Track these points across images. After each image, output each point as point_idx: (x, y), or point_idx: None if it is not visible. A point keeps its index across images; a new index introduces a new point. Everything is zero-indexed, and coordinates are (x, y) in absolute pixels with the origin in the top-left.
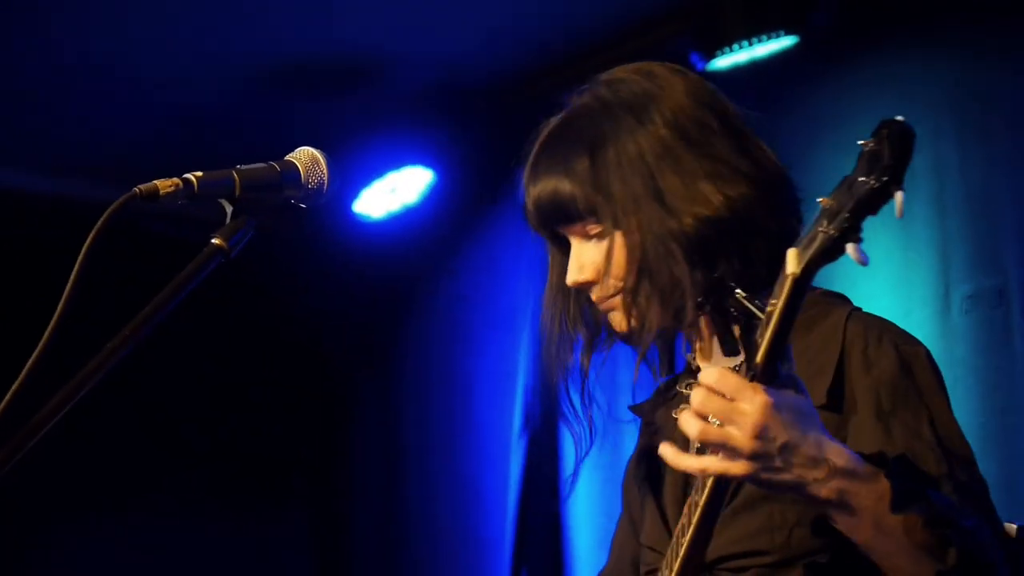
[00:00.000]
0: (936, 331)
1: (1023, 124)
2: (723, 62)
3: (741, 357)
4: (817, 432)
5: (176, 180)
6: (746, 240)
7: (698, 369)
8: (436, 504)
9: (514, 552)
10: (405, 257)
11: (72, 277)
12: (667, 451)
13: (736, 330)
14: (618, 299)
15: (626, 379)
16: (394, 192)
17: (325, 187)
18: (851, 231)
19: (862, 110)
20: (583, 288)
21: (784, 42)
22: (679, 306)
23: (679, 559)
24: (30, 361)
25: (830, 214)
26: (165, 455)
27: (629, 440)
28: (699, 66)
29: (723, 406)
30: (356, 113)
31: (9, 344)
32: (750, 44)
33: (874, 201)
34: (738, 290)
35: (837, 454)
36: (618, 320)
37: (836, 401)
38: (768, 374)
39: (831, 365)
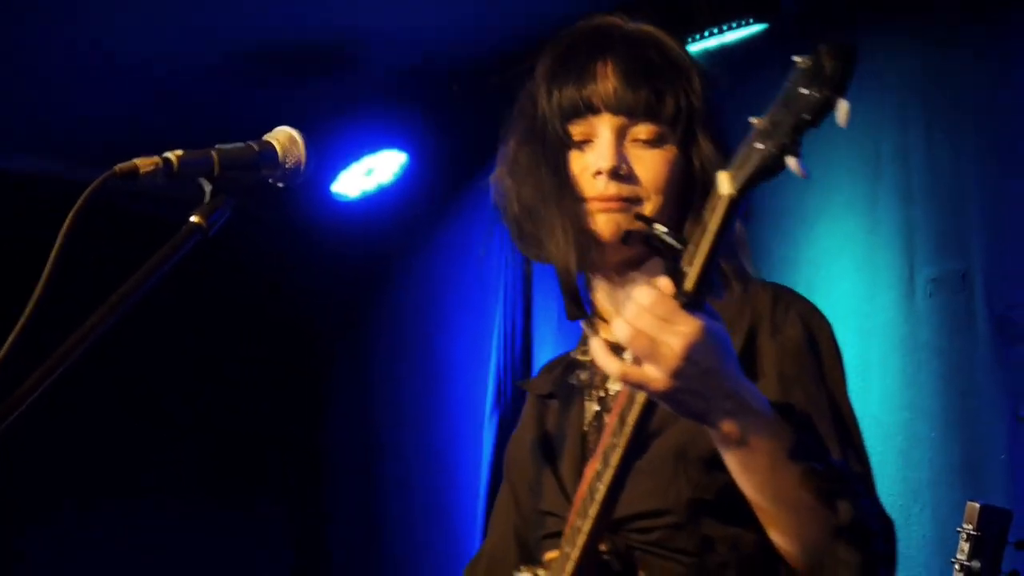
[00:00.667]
0: (900, 314)
1: (990, 112)
2: (693, 48)
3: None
4: (734, 367)
5: (156, 159)
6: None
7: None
8: (410, 479)
9: (485, 526)
10: (380, 237)
11: (52, 256)
12: (596, 345)
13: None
14: (629, 206)
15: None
16: (370, 174)
17: (302, 167)
18: (792, 145)
19: None
20: (609, 175)
21: (753, 29)
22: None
23: (591, 519)
24: (10, 339)
25: (765, 133)
26: (145, 430)
27: None
28: None
29: (657, 323)
30: (333, 96)
31: None
32: (720, 31)
33: (817, 111)
34: (656, 224)
35: (749, 393)
36: (613, 223)
37: (746, 363)
38: (699, 301)
39: (743, 329)
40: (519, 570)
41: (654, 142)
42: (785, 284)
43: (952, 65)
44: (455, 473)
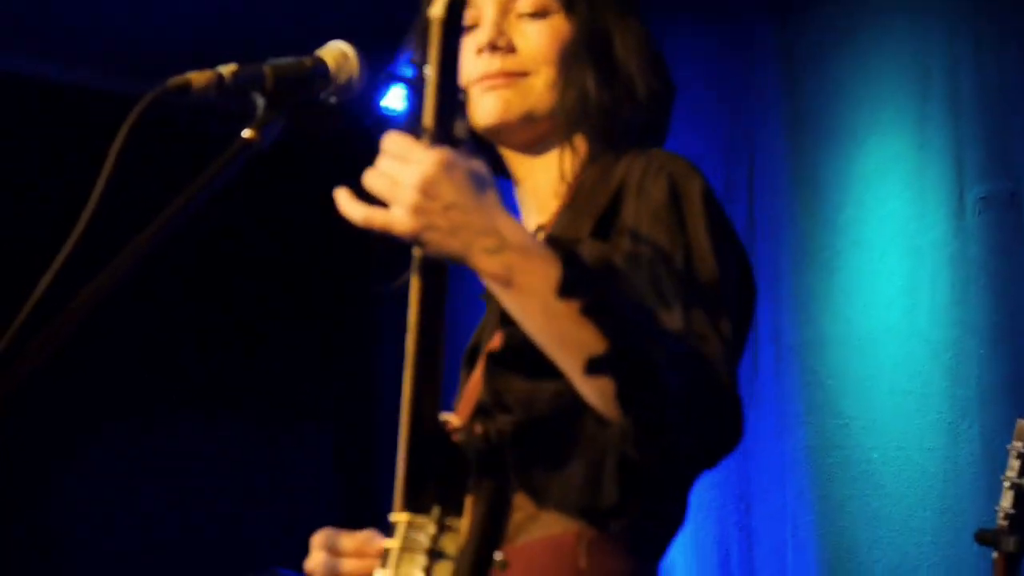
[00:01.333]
0: (950, 232)
1: None
2: None
3: None
4: (493, 203)
5: (208, 73)
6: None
7: (537, 232)
8: None
9: None
10: None
11: (106, 169)
12: (339, 195)
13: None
14: (515, 80)
15: None
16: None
17: (355, 82)
18: None
19: (881, 8)
20: (488, 50)
21: None
22: (564, 115)
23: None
24: (62, 253)
25: None
26: (190, 353)
27: None
28: None
29: (394, 162)
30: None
31: (43, 236)
32: None
33: None
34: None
35: (512, 228)
36: (501, 100)
37: (605, 229)
38: (439, 135)
39: (606, 195)
40: None
41: (539, 14)
42: (837, 203)
43: None
44: None
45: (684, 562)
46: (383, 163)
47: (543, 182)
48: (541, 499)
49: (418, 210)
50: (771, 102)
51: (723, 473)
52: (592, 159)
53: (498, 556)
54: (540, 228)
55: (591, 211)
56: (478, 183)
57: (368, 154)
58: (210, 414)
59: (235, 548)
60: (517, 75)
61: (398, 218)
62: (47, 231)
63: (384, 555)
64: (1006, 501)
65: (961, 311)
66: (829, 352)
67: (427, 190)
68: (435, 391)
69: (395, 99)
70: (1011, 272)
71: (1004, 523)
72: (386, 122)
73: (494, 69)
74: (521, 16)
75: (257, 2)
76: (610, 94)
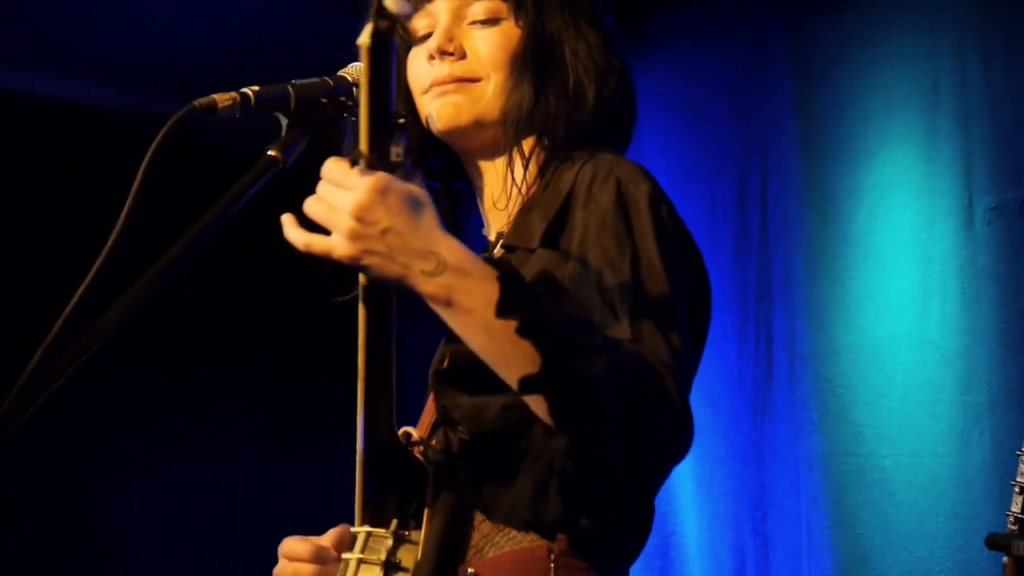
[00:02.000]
0: (959, 242)
1: None
2: None
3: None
4: (431, 225)
5: (234, 94)
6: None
7: (497, 240)
8: None
9: None
10: None
11: (134, 188)
12: (285, 220)
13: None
14: (467, 85)
15: None
16: None
17: None
18: None
19: (891, 22)
20: (439, 56)
21: None
22: (515, 118)
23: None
24: (93, 269)
25: None
26: (211, 353)
27: None
28: None
29: (331, 188)
30: None
31: (72, 254)
32: None
33: None
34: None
35: (450, 249)
36: (451, 106)
37: (554, 239)
38: (374, 160)
39: (557, 202)
40: None
41: (490, 21)
42: (849, 214)
43: None
44: None
45: (700, 570)
46: (321, 189)
47: (499, 188)
48: (491, 514)
49: (355, 236)
50: (784, 115)
51: (739, 481)
52: (545, 165)
53: (470, 570)
54: (500, 235)
55: (542, 218)
56: (414, 206)
57: None
58: (235, 425)
59: (260, 554)
60: (467, 81)
61: (337, 244)
62: (73, 251)
63: (344, 567)
64: (1016, 506)
65: (971, 319)
66: (842, 361)
67: (363, 216)
68: (388, 407)
69: None
70: (1020, 280)
71: (1014, 528)
72: None
73: (444, 75)
74: (474, 23)
75: (275, 24)
76: (557, 100)
